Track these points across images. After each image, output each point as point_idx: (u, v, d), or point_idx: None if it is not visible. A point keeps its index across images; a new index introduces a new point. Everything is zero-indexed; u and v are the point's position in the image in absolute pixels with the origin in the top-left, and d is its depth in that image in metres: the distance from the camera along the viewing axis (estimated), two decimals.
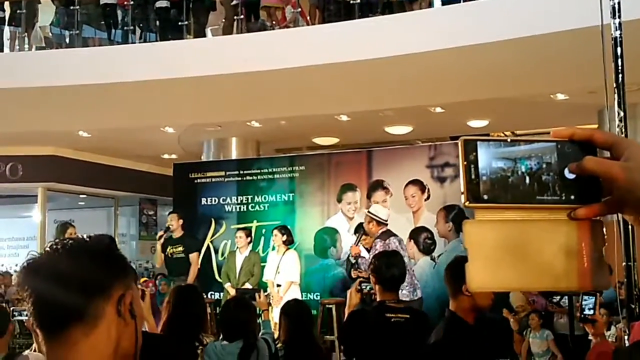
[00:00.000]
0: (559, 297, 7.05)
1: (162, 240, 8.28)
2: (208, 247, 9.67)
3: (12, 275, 10.66)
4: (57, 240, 1.20)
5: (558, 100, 8.64)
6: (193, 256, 8.44)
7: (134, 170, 12.97)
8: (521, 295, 7.75)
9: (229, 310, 3.86)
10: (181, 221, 8.46)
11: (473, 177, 0.80)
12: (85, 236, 1.24)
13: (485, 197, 0.80)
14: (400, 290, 6.43)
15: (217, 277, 9.24)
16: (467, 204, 0.80)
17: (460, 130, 10.05)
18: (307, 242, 9.23)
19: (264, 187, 9.75)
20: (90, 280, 1.16)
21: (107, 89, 8.51)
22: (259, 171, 9.81)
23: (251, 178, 9.84)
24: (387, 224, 6.82)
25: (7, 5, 10.25)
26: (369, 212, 6.89)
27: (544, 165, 0.82)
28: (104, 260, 1.19)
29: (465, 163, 0.80)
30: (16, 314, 4.24)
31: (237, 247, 8.45)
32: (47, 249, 1.19)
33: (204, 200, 10.05)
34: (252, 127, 10.21)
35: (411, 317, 3.84)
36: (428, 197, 8.62)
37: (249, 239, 8.47)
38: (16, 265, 14.97)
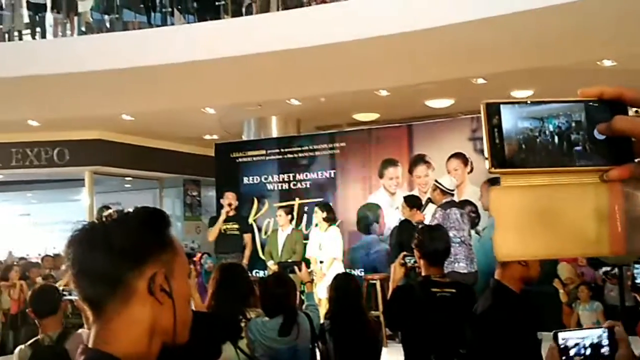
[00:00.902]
0: (609, 268, 6.93)
1: (223, 216, 8.32)
2: (251, 225, 9.74)
3: (62, 257, 10.91)
4: (105, 215, 1.17)
5: (605, 67, 8.38)
6: (247, 236, 8.61)
7: (177, 152, 13.11)
8: (570, 268, 7.64)
9: (267, 287, 3.86)
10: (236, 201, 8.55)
11: (497, 141, 0.77)
12: (136, 208, 1.20)
13: (511, 161, 0.76)
14: (457, 263, 6.57)
15: (260, 255, 9.31)
16: (491, 169, 0.77)
17: None
18: (349, 218, 9.24)
19: (305, 165, 9.78)
20: (122, 254, 1.12)
21: (148, 72, 8.57)
22: (299, 149, 9.84)
23: (292, 156, 9.88)
24: (452, 194, 6.92)
25: None
26: (435, 180, 6.98)
27: (573, 124, 0.77)
28: (139, 234, 1.15)
29: (488, 127, 0.77)
30: (66, 294, 4.32)
31: (279, 226, 8.48)
32: (94, 221, 1.18)
33: (246, 180, 10.13)
34: (291, 105, 10.19)
35: (457, 291, 3.79)
36: (471, 170, 8.53)
37: (290, 216, 8.50)
38: (54, 248, 15.41)
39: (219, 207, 9.08)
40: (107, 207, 7.57)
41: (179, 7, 10.06)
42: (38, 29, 10.29)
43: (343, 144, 9.57)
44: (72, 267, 1.14)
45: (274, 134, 10.98)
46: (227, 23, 8.95)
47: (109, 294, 1.12)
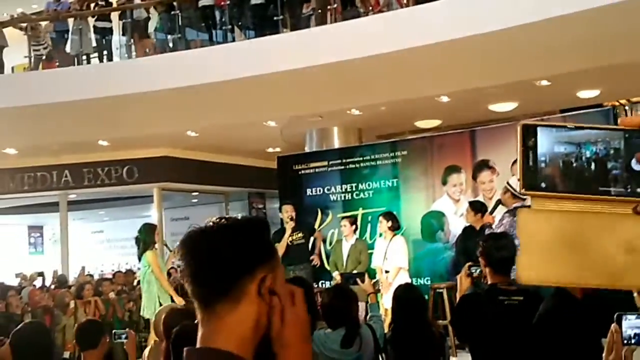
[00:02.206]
0: None
1: (288, 230, 8.46)
2: (315, 230, 9.78)
3: (135, 273, 11.20)
4: (219, 218, 1.27)
5: None
6: (316, 235, 8.98)
7: (240, 166, 13.30)
8: None
9: (328, 299, 3.85)
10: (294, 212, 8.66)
11: (531, 163, 0.75)
12: (240, 216, 1.32)
13: (543, 184, 0.74)
14: None
15: (326, 265, 9.33)
16: (523, 190, 0.75)
17: (569, 103, 9.62)
18: (413, 227, 9.20)
19: (367, 175, 9.77)
20: (239, 259, 1.22)
21: (210, 88, 8.76)
22: (361, 159, 9.84)
23: (354, 166, 9.89)
24: (523, 199, 6.78)
25: (114, 15, 10.75)
26: (507, 182, 6.87)
27: (611, 152, 0.75)
28: (253, 241, 1.25)
29: (522, 148, 0.76)
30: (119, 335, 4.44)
31: (343, 236, 8.49)
32: (209, 224, 1.27)
33: (309, 191, 10.19)
34: (352, 115, 10.20)
35: (525, 299, 3.69)
36: None
37: (354, 227, 8.51)
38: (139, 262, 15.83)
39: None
40: (154, 225, 7.81)
41: (239, 23, 10.22)
42: (105, 52, 10.65)
43: (405, 152, 9.53)
44: (187, 269, 1.24)
45: (336, 144, 11.00)
46: (286, 37, 9.06)
47: (223, 295, 1.22)
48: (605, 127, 0.77)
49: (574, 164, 0.76)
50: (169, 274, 8.46)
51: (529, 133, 0.77)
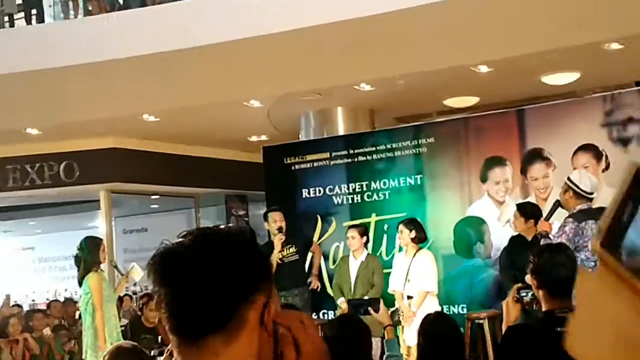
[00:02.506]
0: None
1: (277, 246, 8.51)
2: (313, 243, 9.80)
3: (76, 302, 11.21)
4: (195, 231, 1.32)
5: None
6: (314, 249, 9.04)
7: (215, 160, 13.31)
8: None
9: (331, 333, 3.84)
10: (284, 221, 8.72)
11: (625, 217, 0.71)
12: (224, 227, 1.37)
13: (627, 249, 0.71)
14: None
15: (328, 290, 9.33)
16: (596, 247, 0.73)
17: None
18: (444, 238, 9.22)
19: (382, 170, 9.79)
20: (236, 283, 1.27)
21: (174, 58, 8.74)
22: (374, 149, 9.86)
23: (365, 159, 9.91)
24: (590, 199, 6.81)
25: None
26: (568, 178, 6.87)
27: None
28: (249, 259, 1.31)
29: (624, 195, 0.72)
30: None
31: (351, 251, 8.49)
32: (184, 239, 1.31)
33: (305, 192, 10.21)
34: (362, 92, 10.20)
35: None
36: (607, 167, 8.36)
37: (365, 239, 8.50)
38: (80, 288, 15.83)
39: None
40: (99, 238, 7.82)
41: None
42: (34, 11, 10.63)
43: (431, 140, 9.55)
44: (166, 297, 1.28)
45: (341, 130, 11.01)
46: None
47: (216, 328, 1.26)
48: None
49: None
50: (120, 300, 8.46)
51: None
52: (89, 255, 7.52)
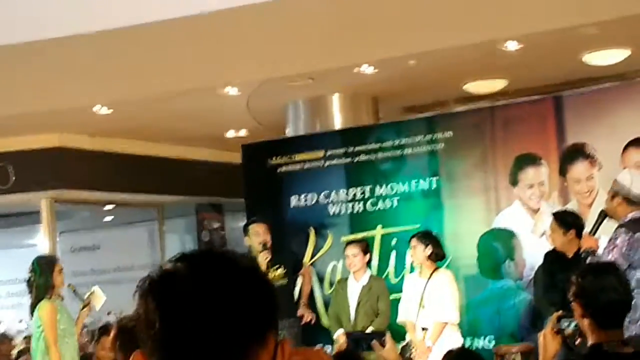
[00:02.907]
0: None
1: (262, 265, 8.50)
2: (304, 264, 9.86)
3: (12, 339, 11.18)
4: (196, 253, 1.37)
5: None
6: (304, 273, 9.10)
7: (184, 161, 13.28)
8: None
9: None
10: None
11: None
12: (227, 252, 1.41)
13: None
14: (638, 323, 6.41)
15: (323, 320, 9.35)
16: None
17: None
18: (465, 255, 9.26)
19: (389, 171, 9.85)
20: (248, 321, 1.32)
21: (132, 36, 8.75)
22: (378, 146, 9.91)
23: (367, 158, 9.96)
24: None
25: None
26: (615, 181, 6.97)
27: None
28: (263, 292, 1.39)
29: None
30: None
31: (351, 272, 8.49)
32: (183, 262, 1.34)
33: (294, 200, 10.25)
34: (363, 75, 10.20)
35: None
36: None
37: (368, 256, 8.53)
38: (20, 321, 15.80)
39: None
40: (53, 257, 7.80)
41: None
42: None
43: (449, 134, 9.60)
44: (160, 328, 1.29)
45: (337, 123, 11.02)
46: None
47: None
48: None
49: None
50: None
51: None
52: (41, 278, 7.52)
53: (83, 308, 8.15)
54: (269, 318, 1.36)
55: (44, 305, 7.44)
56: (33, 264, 7.70)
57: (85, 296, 8.27)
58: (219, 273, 1.33)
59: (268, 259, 8.59)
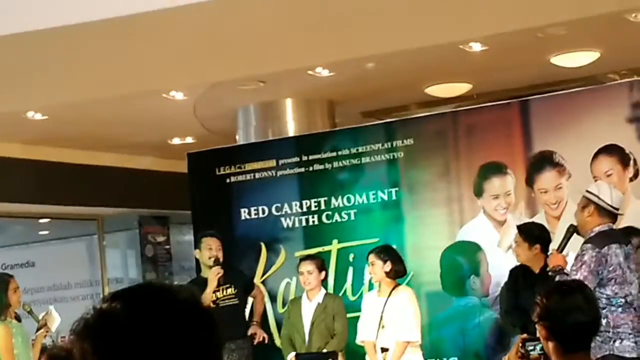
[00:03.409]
0: None
1: (212, 283, 8.51)
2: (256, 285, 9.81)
3: None
4: (131, 292, 1.40)
5: None
6: (256, 293, 9.09)
7: (125, 171, 13.23)
8: None
9: None
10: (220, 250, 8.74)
11: None
12: (164, 286, 1.45)
13: None
14: (618, 341, 6.48)
15: (275, 341, 9.37)
16: None
17: None
18: (428, 271, 9.28)
19: (346, 182, 9.86)
20: (186, 356, 1.38)
21: (68, 35, 8.72)
22: (335, 154, 9.91)
23: (322, 167, 9.97)
24: (615, 215, 6.97)
25: None
26: (587, 191, 7.01)
27: None
28: (198, 326, 1.42)
29: None
30: None
31: (305, 290, 8.51)
32: (117, 303, 1.37)
33: (244, 213, 10.22)
34: (318, 78, 10.22)
35: None
36: (636, 175, 8.49)
37: (323, 274, 8.56)
38: None
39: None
40: (7, 275, 7.74)
41: None
42: None
43: (410, 141, 9.61)
44: None
45: (290, 130, 11.04)
46: None
47: None
48: None
49: None
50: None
51: None
52: None
53: (39, 329, 8.11)
54: (210, 350, 1.43)
55: None
56: None
57: (40, 316, 8.24)
58: (155, 311, 1.37)
59: (219, 275, 8.59)
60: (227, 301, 8.64)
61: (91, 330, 1.36)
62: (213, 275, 8.57)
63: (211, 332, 1.46)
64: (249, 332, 9.03)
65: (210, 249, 8.72)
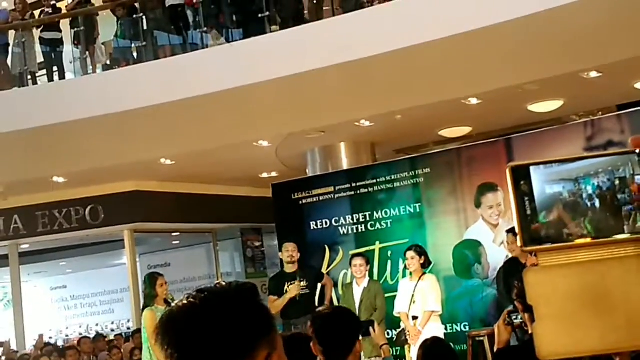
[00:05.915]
0: None
1: (294, 291, 8.38)
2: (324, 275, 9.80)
3: (105, 337, 11.15)
4: (196, 290, 1.33)
5: None
6: (325, 280, 8.83)
7: (230, 197, 13.32)
8: None
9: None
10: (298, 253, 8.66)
11: (528, 212, 0.74)
12: (225, 283, 1.37)
13: (547, 235, 0.73)
14: None
15: None
16: (524, 247, 0.74)
17: (626, 96, 9.63)
18: (443, 261, 9.23)
19: (383, 200, 9.84)
20: (234, 339, 1.27)
21: (186, 106, 8.81)
22: (374, 181, 9.91)
23: (366, 190, 9.95)
24: None
25: (64, 23, 10.79)
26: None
27: (617, 182, 0.73)
28: (247, 314, 1.31)
29: (516, 196, 0.75)
30: None
31: (355, 278, 8.46)
32: (185, 300, 1.32)
33: (312, 225, 10.23)
34: (362, 127, 10.24)
35: None
36: None
37: (369, 266, 8.49)
38: (112, 323, 15.79)
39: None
40: (157, 274, 7.75)
41: (216, 23, 10.17)
42: (55, 68, 10.69)
43: (428, 170, 9.61)
44: (172, 357, 1.29)
45: (344, 165, 11.03)
46: (274, 37, 9.06)
47: None
48: (609, 152, 0.76)
49: (574, 205, 0.74)
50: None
51: (520, 175, 0.76)
52: (146, 290, 7.50)
53: None
54: (257, 333, 1.30)
55: (146, 314, 7.32)
56: (145, 278, 7.66)
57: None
58: (208, 306, 1.30)
59: (295, 269, 8.54)
60: (301, 292, 8.51)
61: (161, 322, 1.32)
62: (290, 269, 8.51)
63: (256, 316, 1.33)
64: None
65: (288, 251, 8.67)
